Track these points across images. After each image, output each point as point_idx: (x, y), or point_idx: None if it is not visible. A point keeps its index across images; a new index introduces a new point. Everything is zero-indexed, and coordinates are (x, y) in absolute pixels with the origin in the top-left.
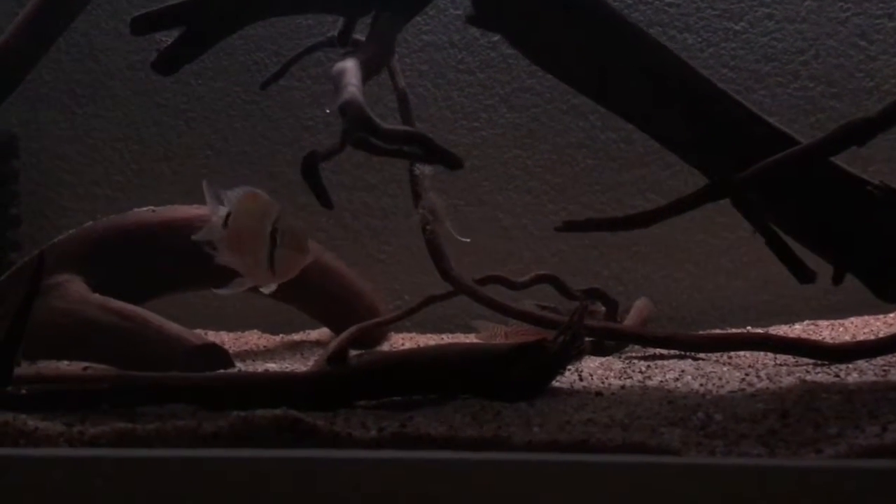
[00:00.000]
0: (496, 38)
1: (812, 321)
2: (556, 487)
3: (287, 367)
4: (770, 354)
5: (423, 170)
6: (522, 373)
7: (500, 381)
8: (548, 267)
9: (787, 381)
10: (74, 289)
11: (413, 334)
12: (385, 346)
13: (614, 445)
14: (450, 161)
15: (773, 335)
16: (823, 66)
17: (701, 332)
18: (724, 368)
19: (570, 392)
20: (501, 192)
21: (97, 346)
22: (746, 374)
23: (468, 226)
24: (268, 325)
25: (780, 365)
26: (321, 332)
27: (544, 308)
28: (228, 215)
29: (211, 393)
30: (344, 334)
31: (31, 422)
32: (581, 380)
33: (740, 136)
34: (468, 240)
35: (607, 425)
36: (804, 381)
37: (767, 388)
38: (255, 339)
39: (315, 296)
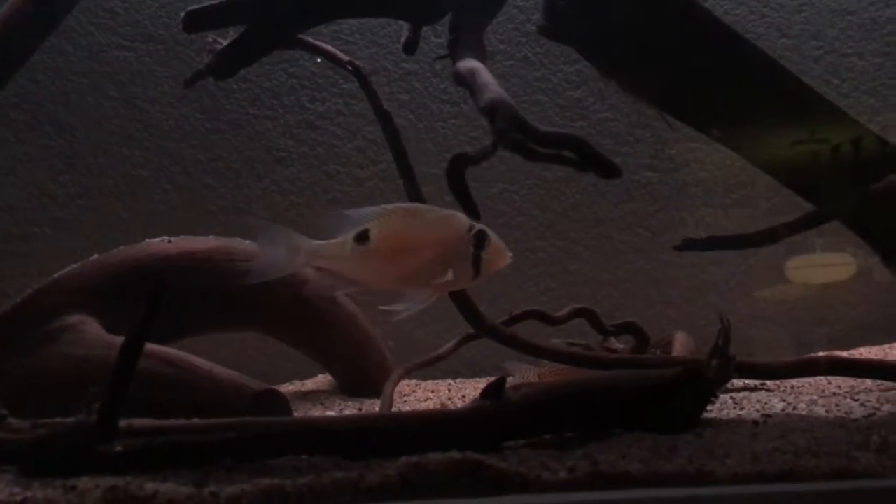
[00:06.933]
0: None
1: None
2: None
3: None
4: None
5: None
6: (684, 401)
7: (665, 411)
8: (537, 304)
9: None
10: (91, 332)
11: (413, 380)
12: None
13: (822, 473)
14: (608, 169)
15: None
16: None
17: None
18: (812, 396)
19: (723, 422)
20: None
21: (135, 396)
22: (855, 398)
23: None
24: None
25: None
26: (316, 382)
27: (573, 345)
28: (364, 234)
29: (360, 437)
30: (394, 375)
31: (149, 484)
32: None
33: None
34: None
35: (797, 453)
36: None
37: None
38: None
39: (331, 337)
